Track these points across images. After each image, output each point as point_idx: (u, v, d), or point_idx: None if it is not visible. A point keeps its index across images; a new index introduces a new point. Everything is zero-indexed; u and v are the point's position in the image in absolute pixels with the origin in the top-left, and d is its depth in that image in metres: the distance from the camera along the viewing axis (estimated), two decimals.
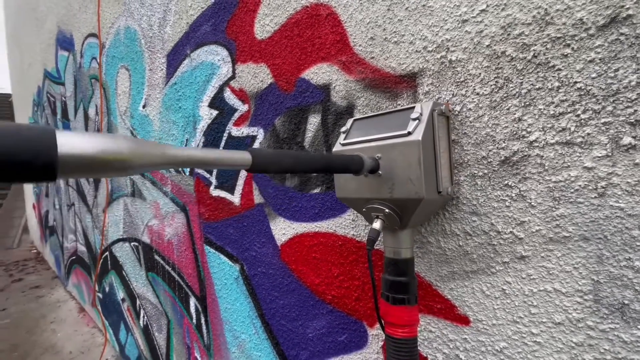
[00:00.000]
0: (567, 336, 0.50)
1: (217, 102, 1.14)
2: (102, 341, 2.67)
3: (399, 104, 0.65)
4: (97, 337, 2.79)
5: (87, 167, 0.25)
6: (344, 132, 0.64)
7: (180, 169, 1.39)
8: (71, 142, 0.24)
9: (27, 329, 3.06)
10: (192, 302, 1.43)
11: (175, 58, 1.32)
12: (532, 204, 0.51)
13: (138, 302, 1.97)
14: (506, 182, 0.53)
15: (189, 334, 1.50)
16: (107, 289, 2.46)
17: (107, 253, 2.34)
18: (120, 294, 2.21)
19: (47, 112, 3.40)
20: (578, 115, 0.46)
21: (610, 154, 0.45)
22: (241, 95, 1.04)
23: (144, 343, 1.96)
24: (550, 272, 0.51)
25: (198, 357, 1.45)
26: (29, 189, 5.29)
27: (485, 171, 0.55)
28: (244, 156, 0.37)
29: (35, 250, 5.73)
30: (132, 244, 1.94)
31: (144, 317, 1.92)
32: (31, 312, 3.42)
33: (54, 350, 2.67)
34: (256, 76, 0.97)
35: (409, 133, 0.51)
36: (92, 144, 0.25)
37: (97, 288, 2.67)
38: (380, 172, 0.54)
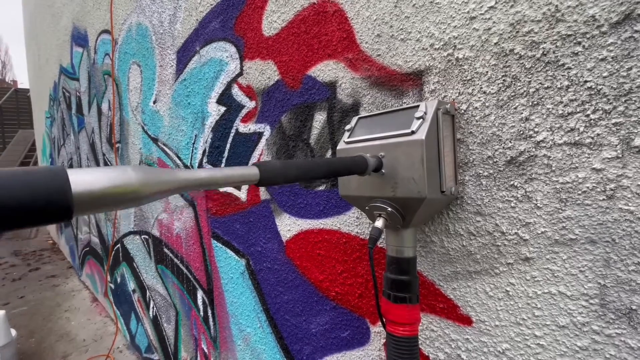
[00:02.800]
0: (572, 340, 0.50)
1: (225, 98, 1.15)
2: (113, 330, 2.75)
3: (405, 102, 0.65)
4: (109, 326, 2.87)
5: (100, 203, 0.25)
6: (348, 130, 0.64)
7: (189, 164, 1.41)
8: (83, 180, 0.24)
9: (43, 317, 3.18)
10: (200, 295, 1.46)
11: (184, 55, 1.34)
12: (538, 205, 0.50)
13: (148, 293, 2.02)
14: (512, 182, 0.53)
15: (196, 326, 1.53)
16: (118, 280, 2.53)
17: (118, 245, 2.40)
18: (131, 285, 2.27)
19: (62, 107, 3.49)
20: (588, 116, 0.45)
21: (620, 156, 0.43)
22: (248, 92, 1.04)
23: (154, 333, 2.02)
24: (555, 274, 0.50)
25: (205, 348, 1.48)
26: None
27: (491, 171, 0.54)
28: (252, 171, 0.38)
29: (51, 241, 5.92)
30: (143, 236, 1.99)
31: (153, 308, 1.97)
32: (47, 301, 3.54)
33: (69, 338, 2.77)
34: (263, 73, 0.98)
35: (413, 132, 0.51)
36: (103, 178, 0.25)
37: (109, 279, 2.74)
38: (383, 170, 0.54)
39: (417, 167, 0.51)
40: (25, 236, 6.34)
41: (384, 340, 0.75)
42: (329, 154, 0.82)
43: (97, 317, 3.05)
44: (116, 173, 0.26)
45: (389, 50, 0.66)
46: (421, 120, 0.52)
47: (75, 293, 3.68)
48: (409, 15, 0.62)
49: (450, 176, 0.55)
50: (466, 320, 0.61)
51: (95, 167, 0.26)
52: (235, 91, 1.10)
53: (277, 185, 0.96)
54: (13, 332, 2.52)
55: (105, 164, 2.41)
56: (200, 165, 1.33)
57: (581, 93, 0.45)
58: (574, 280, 0.48)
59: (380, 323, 0.76)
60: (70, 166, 3.45)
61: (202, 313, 1.46)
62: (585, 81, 0.45)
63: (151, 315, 2.02)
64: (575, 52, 0.45)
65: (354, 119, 0.66)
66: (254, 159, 1.06)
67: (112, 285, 2.70)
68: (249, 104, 1.05)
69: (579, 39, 0.45)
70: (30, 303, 3.50)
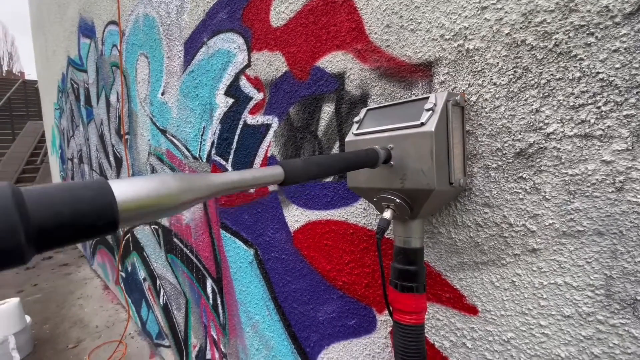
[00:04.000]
0: (576, 329, 0.50)
1: (233, 90, 1.15)
2: (125, 317, 2.83)
3: (414, 94, 0.65)
4: (120, 313, 2.96)
5: (143, 213, 0.25)
6: (357, 122, 0.65)
7: (198, 156, 1.43)
8: (126, 192, 0.24)
9: (56, 304, 3.28)
10: (209, 283, 1.49)
11: (192, 46, 1.34)
12: (547, 197, 0.51)
13: (158, 281, 2.07)
14: (520, 174, 0.53)
15: (205, 313, 1.57)
16: (129, 269, 2.59)
17: (129, 235, 2.45)
18: (142, 274, 2.33)
19: (71, 99, 3.53)
20: (599, 107, 0.45)
21: (630, 148, 0.43)
22: (256, 83, 1.05)
23: (164, 320, 2.07)
24: (562, 265, 0.51)
25: (214, 335, 1.53)
26: (55, 171, 5.55)
27: (500, 163, 0.55)
28: (277, 171, 0.39)
29: None
30: (153, 227, 2.03)
31: (163, 296, 2.03)
32: (60, 288, 3.65)
33: (82, 324, 2.86)
34: (271, 64, 0.98)
35: (422, 124, 0.51)
36: (144, 188, 0.25)
37: (120, 267, 2.81)
38: (392, 162, 0.55)
39: (426, 159, 0.51)
40: None
41: (390, 329, 0.77)
42: (336, 146, 0.83)
43: (109, 305, 3.14)
44: (156, 182, 0.26)
45: (398, 41, 0.66)
46: (431, 112, 0.52)
47: (87, 281, 3.78)
48: (419, 5, 0.62)
49: (459, 168, 0.56)
50: (472, 310, 0.62)
51: (133, 177, 0.26)
52: (243, 83, 1.10)
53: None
54: (28, 318, 2.61)
55: (115, 156, 2.44)
56: (209, 157, 1.35)
57: (593, 85, 0.45)
58: (580, 272, 0.49)
59: (386, 312, 0.77)
60: (80, 157, 3.50)
61: (211, 301, 1.50)
62: (597, 72, 0.45)
63: (161, 303, 2.07)
64: (588, 43, 0.45)
65: (363, 111, 0.66)
66: (262, 150, 1.07)
67: (123, 274, 2.77)
68: (257, 96, 1.06)
69: (592, 30, 0.44)
70: (44, 290, 3.61)
